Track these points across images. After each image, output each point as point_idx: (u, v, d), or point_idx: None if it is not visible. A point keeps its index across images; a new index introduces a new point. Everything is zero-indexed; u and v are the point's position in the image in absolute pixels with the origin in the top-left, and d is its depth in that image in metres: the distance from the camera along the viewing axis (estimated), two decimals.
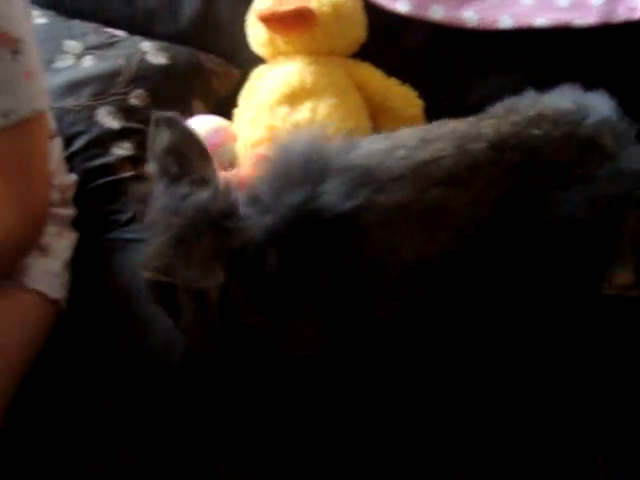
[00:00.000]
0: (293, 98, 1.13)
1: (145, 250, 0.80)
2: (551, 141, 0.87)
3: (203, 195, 0.80)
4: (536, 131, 0.88)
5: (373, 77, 1.18)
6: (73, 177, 1.12)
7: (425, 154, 0.84)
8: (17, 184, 0.87)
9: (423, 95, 1.19)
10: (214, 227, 0.79)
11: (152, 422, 0.88)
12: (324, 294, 0.83)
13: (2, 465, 0.85)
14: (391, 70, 1.19)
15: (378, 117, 1.19)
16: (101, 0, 1.38)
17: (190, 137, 0.86)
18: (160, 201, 0.82)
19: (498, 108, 0.96)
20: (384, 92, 1.18)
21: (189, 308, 0.83)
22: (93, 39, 1.30)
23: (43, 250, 0.99)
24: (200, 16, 1.32)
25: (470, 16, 1.18)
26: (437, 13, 1.18)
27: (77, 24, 1.33)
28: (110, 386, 0.91)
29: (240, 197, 0.84)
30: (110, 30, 1.33)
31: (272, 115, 1.13)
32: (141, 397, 0.90)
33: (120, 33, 1.33)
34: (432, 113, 1.17)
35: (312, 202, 0.79)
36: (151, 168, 0.85)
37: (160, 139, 0.85)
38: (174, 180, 0.83)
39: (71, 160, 1.15)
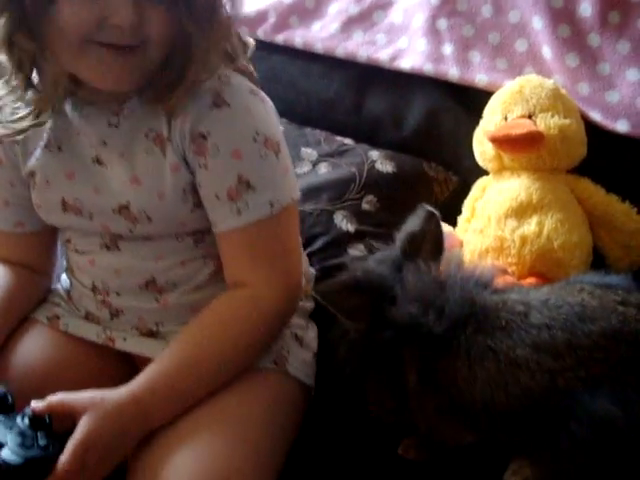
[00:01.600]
0: (520, 212, 1.22)
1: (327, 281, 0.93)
2: None
3: (382, 269, 0.90)
4: None
5: (595, 193, 1.25)
6: (313, 272, 1.26)
7: (540, 319, 0.84)
8: (278, 264, 0.99)
9: None
10: (375, 293, 0.90)
11: None
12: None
13: None
14: (609, 185, 1.26)
15: (597, 230, 1.26)
16: (329, 109, 1.55)
17: (435, 231, 0.94)
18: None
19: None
20: (605, 207, 1.25)
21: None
22: (325, 147, 1.45)
23: (299, 341, 1.12)
24: (424, 127, 1.44)
25: None
26: None
27: (309, 132, 1.49)
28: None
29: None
30: (339, 138, 1.48)
31: (500, 227, 1.23)
32: None
33: (348, 141, 1.47)
34: None
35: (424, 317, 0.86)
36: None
37: (411, 223, 0.95)
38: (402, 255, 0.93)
39: (310, 258, 1.28)
